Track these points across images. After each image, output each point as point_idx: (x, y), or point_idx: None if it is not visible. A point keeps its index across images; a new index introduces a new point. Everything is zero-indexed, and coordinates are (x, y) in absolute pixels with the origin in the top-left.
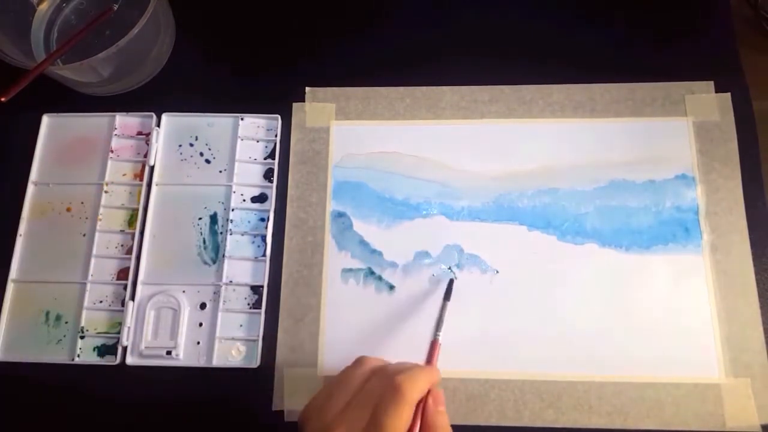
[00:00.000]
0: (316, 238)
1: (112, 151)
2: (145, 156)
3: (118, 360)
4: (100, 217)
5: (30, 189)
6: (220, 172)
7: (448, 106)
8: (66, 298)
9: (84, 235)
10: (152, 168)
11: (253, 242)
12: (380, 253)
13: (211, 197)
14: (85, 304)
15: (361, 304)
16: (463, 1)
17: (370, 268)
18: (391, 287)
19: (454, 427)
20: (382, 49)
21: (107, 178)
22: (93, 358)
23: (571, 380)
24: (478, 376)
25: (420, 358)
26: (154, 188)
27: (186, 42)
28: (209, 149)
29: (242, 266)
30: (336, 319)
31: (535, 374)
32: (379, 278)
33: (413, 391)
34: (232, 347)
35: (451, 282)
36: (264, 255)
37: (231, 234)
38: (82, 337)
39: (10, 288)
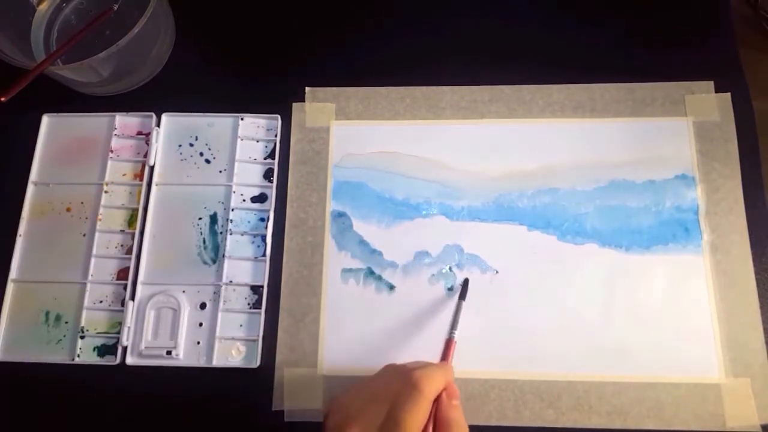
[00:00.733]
0: (316, 238)
1: (112, 151)
2: (145, 156)
3: (118, 360)
4: (100, 217)
5: (30, 189)
6: (220, 172)
7: (448, 106)
8: (66, 298)
9: (84, 235)
10: (152, 168)
11: (253, 242)
12: (380, 253)
13: (211, 197)
14: (85, 304)
15: (361, 304)
16: (464, 1)
17: (370, 268)
18: (391, 287)
19: None
20: (382, 49)
21: (107, 178)
22: (93, 358)
23: (571, 380)
24: (478, 376)
25: (420, 358)
26: (154, 188)
27: (186, 42)
28: (209, 149)
29: (242, 266)
30: (336, 319)
31: (535, 374)
32: (379, 278)
33: (430, 387)
34: (232, 347)
35: (466, 282)
36: (264, 255)
37: (231, 234)
38: (82, 337)
39: (10, 288)
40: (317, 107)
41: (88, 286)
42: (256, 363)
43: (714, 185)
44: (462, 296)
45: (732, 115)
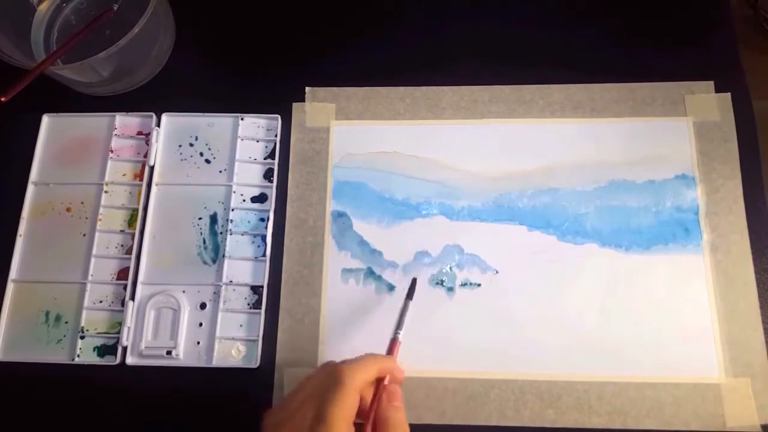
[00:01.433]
0: (316, 238)
1: (112, 151)
2: (145, 156)
3: (118, 360)
4: (100, 217)
5: (30, 189)
6: (220, 172)
7: (448, 106)
8: (66, 298)
9: (84, 235)
10: (152, 168)
11: (253, 242)
12: (380, 253)
13: (211, 197)
14: (85, 304)
15: (361, 304)
16: (464, 1)
17: (370, 268)
18: (391, 287)
19: (454, 427)
20: (382, 49)
21: (107, 178)
22: (93, 358)
23: (571, 380)
24: (478, 376)
25: (420, 358)
26: (154, 188)
27: (186, 42)
28: (209, 149)
29: (242, 266)
30: (336, 319)
31: (535, 374)
32: (379, 278)
33: (353, 378)
34: (232, 347)
35: (414, 281)
36: (264, 255)
37: (231, 234)
38: (82, 337)
39: (10, 288)
40: (317, 107)
41: (88, 286)
42: (256, 363)
43: (714, 185)
44: (409, 296)
45: (732, 115)
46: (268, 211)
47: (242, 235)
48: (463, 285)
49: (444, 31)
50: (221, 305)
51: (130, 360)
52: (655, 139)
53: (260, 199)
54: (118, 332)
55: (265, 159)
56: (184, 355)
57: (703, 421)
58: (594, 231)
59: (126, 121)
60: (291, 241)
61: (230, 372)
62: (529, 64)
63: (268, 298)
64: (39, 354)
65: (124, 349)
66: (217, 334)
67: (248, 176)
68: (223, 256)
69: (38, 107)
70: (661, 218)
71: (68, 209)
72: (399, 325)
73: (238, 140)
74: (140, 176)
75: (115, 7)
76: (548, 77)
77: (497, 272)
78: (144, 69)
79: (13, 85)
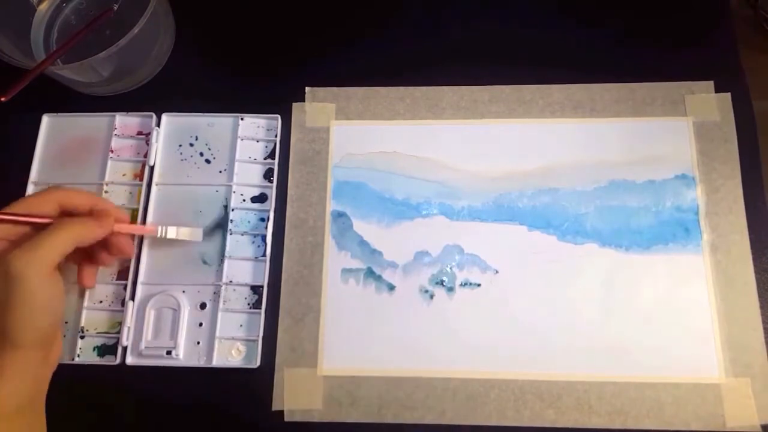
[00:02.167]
0: (316, 238)
1: (112, 151)
2: (145, 156)
3: (118, 360)
4: None
5: (30, 189)
6: (220, 172)
7: (448, 106)
8: (66, 298)
9: None
10: (152, 168)
11: (253, 242)
12: (380, 253)
13: (211, 197)
14: (85, 304)
15: (361, 304)
16: (464, 1)
17: (370, 268)
18: (391, 287)
19: (454, 427)
20: (382, 49)
21: (107, 178)
22: (93, 358)
23: (571, 380)
24: (478, 376)
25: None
26: (154, 188)
27: (186, 42)
28: (209, 149)
29: (242, 266)
30: (336, 319)
31: (535, 374)
32: (379, 278)
33: (28, 266)
34: (232, 347)
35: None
36: (264, 255)
37: (231, 234)
38: (82, 337)
39: None
40: (317, 107)
41: None
42: (256, 363)
43: (714, 185)
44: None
45: (732, 115)
46: (268, 211)
47: (242, 235)
48: (463, 285)
49: (444, 31)
50: (221, 305)
51: (130, 360)
52: (655, 139)
53: (260, 199)
54: (118, 332)
55: (265, 159)
56: (184, 355)
57: (703, 421)
58: (594, 231)
59: (126, 121)
60: (291, 241)
61: (230, 372)
62: (529, 64)
63: (268, 298)
64: None
65: (124, 349)
66: (217, 334)
67: (248, 176)
68: (223, 256)
69: (38, 107)
70: (661, 218)
71: None
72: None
73: (238, 140)
74: (140, 176)
75: (115, 7)
76: (548, 77)
77: (497, 272)
78: (144, 69)
79: (13, 85)
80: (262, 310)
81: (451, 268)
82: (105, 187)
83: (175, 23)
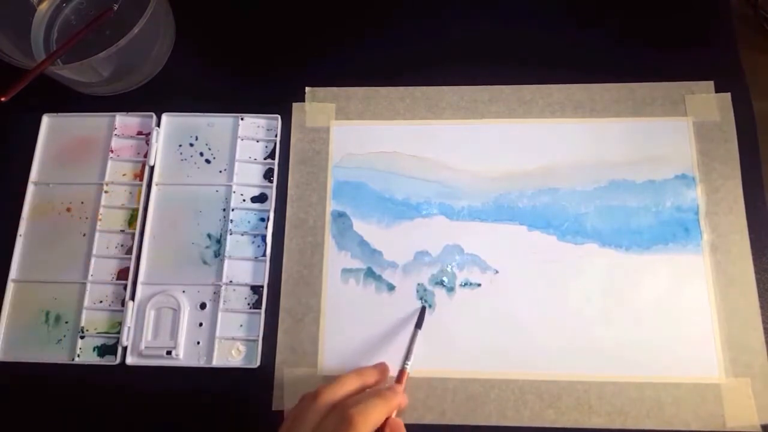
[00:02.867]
0: (316, 238)
1: (112, 151)
2: (145, 156)
3: (118, 360)
4: (100, 217)
5: (30, 189)
6: (220, 172)
7: (448, 106)
8: (66, 298)
9: (84, 235)
10: (152, 168)
11: (253, 242)
12: (380, 253)
13: (211, 197)
14: (85, 304)
15: (361, 304)
16: (464, 1)
17: (370, 268)
18: (391, 287)
19: (454, 427)
20: (382, 49)
21: (107, 178)
22: (93, 358)
23: (571, 380)
24: (478, 376)
25: (420, 358)
26: (154, 188)
27: (186, 42)
28: (209, 149)
29: (242, 266)
30: (336, 319)
31: (535, 374)
32: (379, 278)
33: (366, 423)
34: (232, 347)
35: (423, 310)
36: (264, 255)
37: (231, 234)
38: (82, 337)
39: (10, 288)
40: (317, 107)
41: (88, 286)
42: (256, 363)
43: (714, 185)
44: (418, 325)
45: (732, 115)
46: (268, 211)
47: (242, 235)
48: (463, 285)
49: (444, 31)
50: (221, 305)
51: (130, 360)
52: (655, 139)
53: (260, 199)
54: (118, 332)
55: (265, 159)
56: (184, 355)
57: (703, 421)
58: (594, 231)
59: (126, 121)
60: (291, 241)
61: (230, 372)
62: (529, 64)
63: (268, 298)
64: (39, 354)
65: (124, 349)
66: (217, 334)
67: (248, 176)
68: (223, 256)
69: (38, 107)
70: (661, 218)
71: (68, 209)
72: (408, 355)
73: (238, 140)
74: (140, 176)
75: (115, 7)
76: (548, 77)
77: (497, 272)
78: (144, 69)
79: (13, 85)
80: (262, 310)
81: (451, 268)
82: (105, 187)
83: (175, 23)
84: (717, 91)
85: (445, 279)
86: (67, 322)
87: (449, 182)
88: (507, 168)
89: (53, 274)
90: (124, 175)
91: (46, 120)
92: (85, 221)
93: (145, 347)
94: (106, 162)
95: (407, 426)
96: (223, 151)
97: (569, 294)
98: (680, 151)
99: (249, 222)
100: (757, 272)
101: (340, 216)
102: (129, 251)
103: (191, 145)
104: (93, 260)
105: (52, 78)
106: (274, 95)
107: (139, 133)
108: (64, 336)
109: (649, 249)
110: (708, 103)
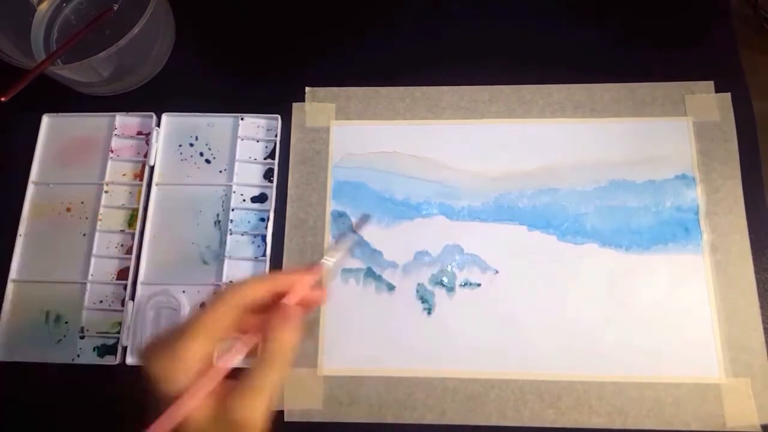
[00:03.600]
0: (316, 238)
1: (112, 151)
2: (145, 156)
3: (118, 360)
4: (100, 217)
5: (30, 189)
6: (220, 172)
7: (448, 106)
8: (66, 298)
9: (84, 235)
10: (152, 168)
11: (253, 242)
12: (380, 253)
13: (211, 197)
14: (85, 304)
15: (361, 304)
16: (464, 1)
17: (370, 268)
18: (391, 287)
19: (454, 427)
20: (382, 49)
21: (107, 178)
22: (93, 358)
23: (571, 380)
24: (478, 376)
25: (420, 358)
26: (154, 188)
27: (186, 42)
28: (209, 149)
29: (242, 266)
30: (336, 319)
31: (535, 374)
32: (379, 278)
33: (233, 292)
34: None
35: (366, 217)
36: (264, 255)
37: (231, 234)
38: (82, 337)
39: (10, 288)
40: (317, 107)
41: (88, 286)
42: None
43: (714, 185)
44: (356, 229)
45: (732, 115)
46: (268, 211)
47: (242, 235)
48: (463, 285)
49: (444, 31)
50: None
51: (130, 360)
52: (655, 139)
53: (260, 199)
54: (118, 332)
55: (265, 159)
56: None
57: (703, 421)
58: (594, 231)
59: (126, 121)
60: (291, 241)
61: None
62: (529, 64)
63: None
64: (39, 354)
65: (124, 349)
66: None
67: (248, 176)
68: (223, 256)
69: (38, 107)
70: (661, 218)
71: (68, 209)
72: (330, 252)
73: (238, 140)
74: (140, 176)
75: (115, 7)
76: (548, 77)
77: (497, 272)
78: (144, 69)
79: (13, 85)
80: None
81: (451, 268)
82: (105, 187)
83: (175, 23)
84: (717, 91)
85: (445, 279)
86: (67, 322)
87: (449, 182)
88: (507, 168)
89: (53, 274)
90: (124, 175)
91: (46, 120)
92: (85, 221)
93: None
94: (106, 162)
95: (407, 426)
96: (223, 151)
97: (569, 294)
98: (680, 151)
99: (249, 222)
100: (757, 272)
101: (340, 216)
102: (129, 251)
103: (191, 145)
104: (93, 260)
105: (52, 78)
106: (274, 95)
107: (139, 133)
108: (64, 336)
109: (649, 249)
110: (708, 103)
